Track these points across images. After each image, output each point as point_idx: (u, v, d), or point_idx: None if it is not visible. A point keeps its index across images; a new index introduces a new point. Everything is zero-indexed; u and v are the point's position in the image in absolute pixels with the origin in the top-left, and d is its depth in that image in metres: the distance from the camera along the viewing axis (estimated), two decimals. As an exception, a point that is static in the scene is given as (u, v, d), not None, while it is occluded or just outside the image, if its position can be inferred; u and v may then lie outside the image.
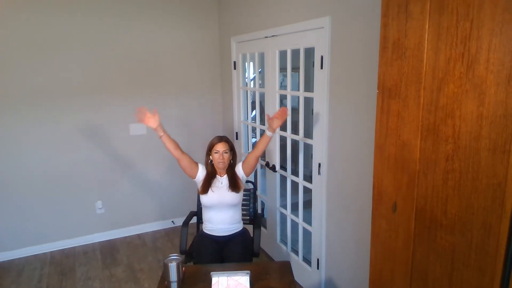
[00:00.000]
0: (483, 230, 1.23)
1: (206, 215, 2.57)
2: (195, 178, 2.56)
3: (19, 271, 3.38)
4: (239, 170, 2.59)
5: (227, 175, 2.56)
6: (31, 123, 3.48)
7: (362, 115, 2.21)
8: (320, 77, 2.50)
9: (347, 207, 2.43)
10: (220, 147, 2.50)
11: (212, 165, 2.57)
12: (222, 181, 2.55)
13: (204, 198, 2.51)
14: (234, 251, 2.49)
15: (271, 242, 3.51)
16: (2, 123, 3.38)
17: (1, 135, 3.40)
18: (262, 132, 3.45)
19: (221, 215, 2.52)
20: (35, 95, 3.44)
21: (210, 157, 2.55)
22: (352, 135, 2.30)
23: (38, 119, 3.49)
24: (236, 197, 2.53)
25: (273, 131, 2.47)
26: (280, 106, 3.13)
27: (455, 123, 1.27)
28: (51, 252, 3.71)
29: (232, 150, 2.57)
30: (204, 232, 2.60)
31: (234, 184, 2.52)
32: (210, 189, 2.50)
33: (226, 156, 2.51)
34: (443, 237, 1.37)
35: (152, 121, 2.45)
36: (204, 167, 2.58)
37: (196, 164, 2.56)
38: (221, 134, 4.30)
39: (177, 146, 2.50)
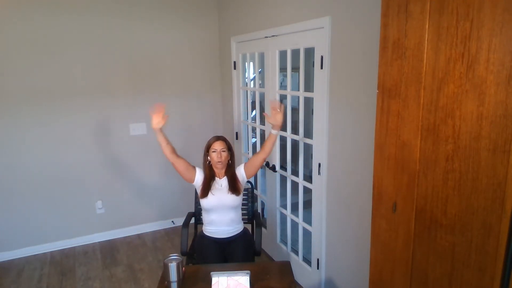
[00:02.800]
0: (483, 230, 1.23)
1: (206, 217, 2.56)
2: (193, 182, 2.53)
3: (19, 271, 3.38)
4: (240, 171, 2.56)
5: (227, 176, 2.54)
6: (31, 123, 3.48)
7: (362, 115, 2.21)
8: (320, 77, 2.50)
9: (347, 207, 2.43)
10: (218, 146, 2.48)
11: (210, 166, 2.54)
12: (221, 183, 2.52)
13: (204, 202, 2.49)
14: (236, 251, 2.49)
15: (271, 242, 3.51)
16: (2, 123, 3.38)
17: (1, 135, 3.40)
18: (262, 132, 3.46)
19: (222, 217, 2.51)
20: (35, 95, 3.44)
21: (208, 157, 2.52)
22: (352, 135, 2.30)
23: (38, 119, 3.49)
24: (236, 199, 2.50)
25: (278, 127, 2.45)
26: (280, 106, 3.12)
27: (455, 123, 1.27)
28: (51, 252, 3.71)
29: (230, 150, 2.54)
30: (204, 234, 2.59)
31: (233, 186, 2.49)
32: (210, 192, 2.48)
33: (224, 154, 2.48)
34: (443, 237, 1.37)
35: (157, 122, 2.46)
36: (201, 170, 2.56)
37: (193, 167, 2.54)
38: (221, 134, 4.32)
39: (173, 149, 2.50)
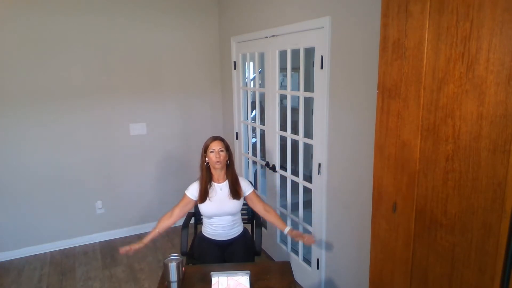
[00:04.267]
0: (483, 230, 1.23)
1: (206, 221, 2.54)
2: (195, 200, 2.49)
3: (19, 271, 3.38)
4: (245, 189, 2.52)
5: (228, 180, 2.48)
6: (31, 123, 3.48)
7: (362, 115, 2.21)
8: (320, 77, 2.50)
9: (347, 207, 2.43)
10: (215, 146, 2.42)
11: (208, 168, 2.48)
12: (221, 187, 2.47)
13: (202, 208, 2.45)
14: (236, 252, 2.48)
15: (271, 242, 3.51)
16: (2, 123, 3.38)
17: (1, 135, 3.40)
18: (262, 132, 3.46)
19: (222, 222, 2.49)
20: (35, 95, 3.44)
21: (206, 158, 2.46)
22: (352, 135, 2.30)
23: (38, 119, 3.49)
24: (237, 205, 2.47)
25: (289, 234, 2.42)
26: (280, 106, 3.13)
27: (455, 123, 1.27)
28: (51, 252, 3.71)
29: (228, 150, 2.49)
30: (204, 235, 2.57)
31: (235, 190, 2.44)
32: (208, 198, 2.43)
33: (223, 154, 2.42)
34: (443, 237, 1.37)
35: (135, 249, 2.38)
36: (192, 187, 2.49)
37: (184, 196, 2.49)
38: (221, 134, 4.31)
39: (166, 217, 2.47)
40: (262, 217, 2.62)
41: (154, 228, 2.45)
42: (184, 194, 2.50)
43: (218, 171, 2.47)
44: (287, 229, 2.43)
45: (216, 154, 2.41)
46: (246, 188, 2.53)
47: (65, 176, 3.68)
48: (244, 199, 2.57)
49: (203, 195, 2.43)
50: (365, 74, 2.14)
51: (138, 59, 3.80)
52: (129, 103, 3.83)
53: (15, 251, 3.61)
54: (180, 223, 2.69)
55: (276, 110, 3.12)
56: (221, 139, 2.49)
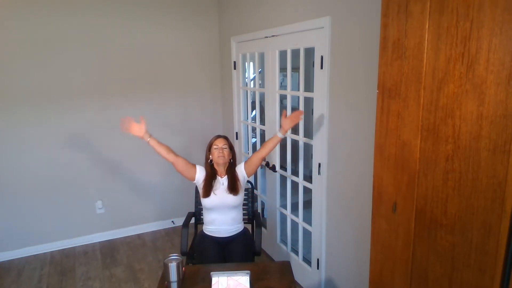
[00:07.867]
0: (483, 230, 1.23)
1: (207, 216, 2.56)
2: (194, 180, 2.55)
3: (19, 271, 3.38)
4: (241, 170, 2.57)
5: (227, 175, 2.55)
6: (31, 123, 3.48)
7: (362, 115, 2.21)
8: (320, 77, 2.50)
9: (347, 207, 2.43)
10: (219, 142, 2.52)
11: (212, 166, 2.56)
12: (223, 181, 2.54)
13: (206, 201, 2.50)
14: (236, 251, 2.49)
15: (271, 242, 3.51)
16: (2, 123, 3.38)
17: (1, 135, 3.40)
18: (262, 132, 3.46)
19: (223, 216, 2.52)
20: (35, 95, 3.44)
21: (210, 156, 2.54)
22: (352, 135, 2.31)
23: (38, 119, 3.49)
24: (237, 199, 2.51)
25: (285, 132, 2.49)
26: (280, 106, 3.13)
27: (455, 123, 1.27)
28: (51, 252, 3.71)
29: (231, 149, 2.57)
30: (204, 233, 2.59)
31: (232, 186, 2.50)
32: (212, 192, 2.48)
33: (226, 151, 2.51)
34: (443, 237, 1.37)
35: (137, 130, 2.44)
36: (202, 168, 2.57)
37: (193, 165, 2.55)
38: (221, 134, 4.31)
39: (169, 149, 2.49)
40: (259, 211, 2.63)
41: (157, 141, 2.47)
42: (194, 165, 2.55)
43: (221, 167, 2.54)
44: (280, 134, 2.49)
45: (219, 150, 2.50)
46: (241, 170, 2.57)
47: (65, 176, 3.68)
48: (249, 174, 2.59)
49: (208, 190, 2.48)
50: (365, 74, 2.14)
51: (138, 59, 3.80)
52: (129, 103, 3.82)
53: (15, 251, 3.61)
54: (181, 222, 2.69)
55: (276, 110, 3.12)
56: (226, 138, 2.58)
